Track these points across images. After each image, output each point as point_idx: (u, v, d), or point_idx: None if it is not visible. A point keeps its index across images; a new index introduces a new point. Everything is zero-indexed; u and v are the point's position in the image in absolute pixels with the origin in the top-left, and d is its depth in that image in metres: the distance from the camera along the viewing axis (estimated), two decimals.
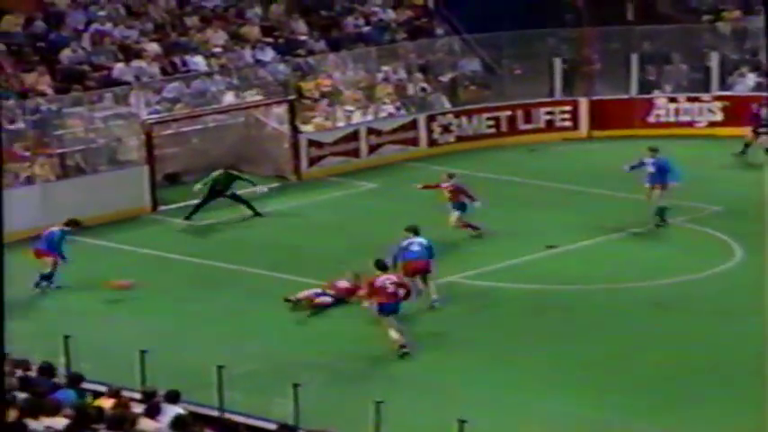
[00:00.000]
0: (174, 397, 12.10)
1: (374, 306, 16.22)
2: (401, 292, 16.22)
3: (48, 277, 18.84)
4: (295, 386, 12.98)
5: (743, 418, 14.38)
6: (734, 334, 16.95)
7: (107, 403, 11.97)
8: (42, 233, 18.97)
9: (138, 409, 11.76)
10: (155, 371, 13.63)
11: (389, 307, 16.10)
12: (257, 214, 22.15)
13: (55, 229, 18.92)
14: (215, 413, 12.81)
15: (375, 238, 20.97)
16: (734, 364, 15.94)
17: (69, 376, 12.89)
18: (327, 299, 18.00)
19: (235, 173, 22.36)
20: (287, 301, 17.94)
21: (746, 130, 25.48)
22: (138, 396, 12.53)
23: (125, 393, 12.51)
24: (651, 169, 21.11)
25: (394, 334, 16.10)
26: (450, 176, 20.93)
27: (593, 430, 13.73)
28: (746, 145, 25.35)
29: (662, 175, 21.03)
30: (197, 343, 16.46)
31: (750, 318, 17.38)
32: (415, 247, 17.60)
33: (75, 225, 19.14)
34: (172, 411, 11.44)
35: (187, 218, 22.09)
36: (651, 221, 21.15)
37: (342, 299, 18.06)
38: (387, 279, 16.25)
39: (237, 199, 22.21)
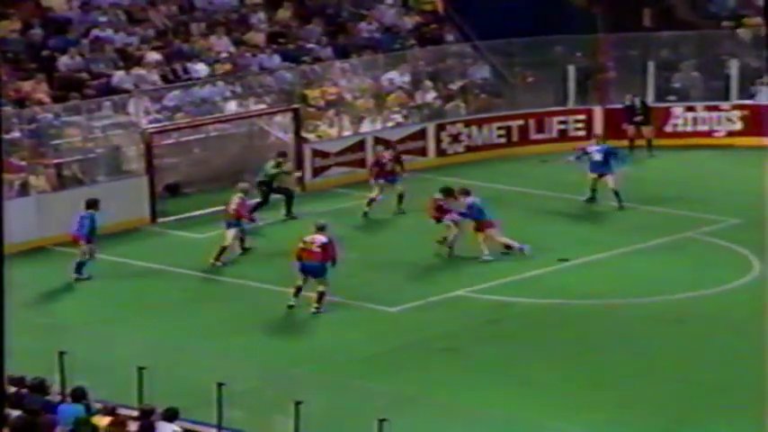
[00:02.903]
0: (171, 416, 12.21)
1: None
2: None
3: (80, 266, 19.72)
4: (297, 404, 13.10)
5: None
6: (753, 350, 17.00)
7: (103, 421, 12.09)
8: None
9: (134, 427, 11.88)
10: (153, 388, 13.74)
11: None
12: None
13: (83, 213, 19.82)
14: (213, 431, 12.92)
15: (380, 250, 21.16)
16: (753, 381, 16.00)
17: (72, 391, 12.97)
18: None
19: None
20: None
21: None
22: (135, 414, 12.65)
23: (122, 411, 12.63)
24: (597, 157, 22.64)
25: None
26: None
27: None
28: (632, 145, 26.49)
29: (608, 162, 22.75)
30: (197, 359, 16.52)
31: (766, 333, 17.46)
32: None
33: (94, 204, 19.98)
34: (167, 430, 11.56)
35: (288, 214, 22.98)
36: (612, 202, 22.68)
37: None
38: None
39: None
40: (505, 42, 27.74)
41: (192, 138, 24.91)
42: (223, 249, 20.45)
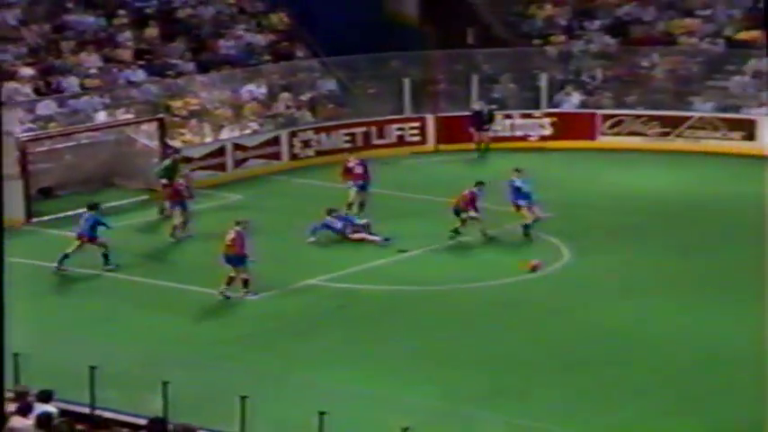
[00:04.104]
0: (46, 396, 11.67)
1: None
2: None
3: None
4: (164, 383, 12.68)
5: (575, 402, 14.73)
6: (563, 328, 17.28)
7: None
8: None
9: (12, 407, 11.27)
10: (30, 373, 13.09)
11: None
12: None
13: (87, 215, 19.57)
14: (87, 410, 12.41)
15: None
16: (564, 354, 16.24)
17: None
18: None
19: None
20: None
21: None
22: (11, 395, 12.03)
23: None
24: (525, 189, 20.90)
25: None
26: None
27: (442, 419, 13.76)
28: (479, 148, 26.55)
29: (531, 193, 20.94)
30: (70, 346, 15.87)
31: (576, 313, 17.79)
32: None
33: (94, 207, 19.86)
34: (42, 409, 11.02)
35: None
36: (529, 235, 20.85)
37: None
38: None
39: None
40: (349, 58, 27.74)
41: (64, 145, 24.28)
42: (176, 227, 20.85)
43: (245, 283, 18.25)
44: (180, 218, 21.00)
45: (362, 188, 22.05)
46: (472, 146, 27.06)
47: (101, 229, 19.65)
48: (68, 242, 20.18)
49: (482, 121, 26.93)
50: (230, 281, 18.21)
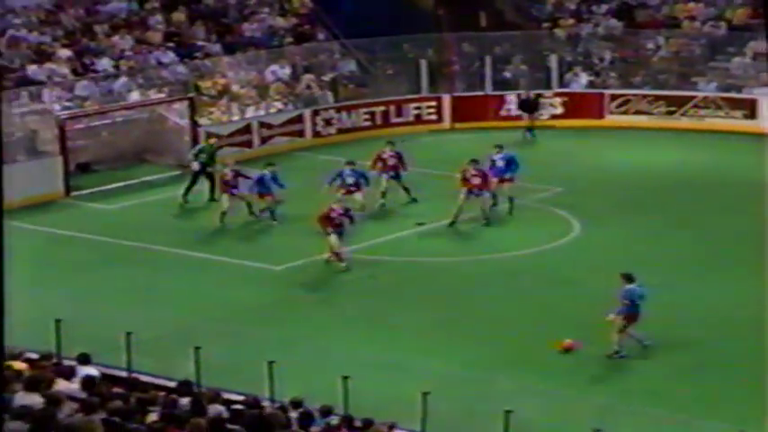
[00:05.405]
0: (84, 359, 11.61)
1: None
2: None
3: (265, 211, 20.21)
4: (196, 349, 12.60)
5: (587, 369, 14.58)
6: (575, 297, 17.12)
7: (22, 366, 11.39)
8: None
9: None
10: (71, 338, 13.04)
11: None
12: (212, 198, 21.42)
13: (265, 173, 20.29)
14: (124, 374, 12.36)
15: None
16: (575, 323, 16.09)
17: None
18: None
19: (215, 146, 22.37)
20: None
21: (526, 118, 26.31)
22: (54, 360, 11.97)
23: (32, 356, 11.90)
24: (500, 164, 20.73)
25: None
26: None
27: (461, 385, 13.67)
28: (529, 129, 26.09)
29: (510, 168, 20.68)
30: (109, 312, 15.85)
31: (587, 283, 17.63)
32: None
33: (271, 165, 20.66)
34: (85, 372, 10.94)
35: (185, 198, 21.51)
36: (505, 210, 20.57)
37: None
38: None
39: (208, 176, 21.58)
40: (367, 41, 27.48)
41: (100, 123, 24.15)
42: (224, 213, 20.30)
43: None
44: (226, 204, 20.23)
45: (394, 177, 21.44)
46: (485, 124, 26.79)
47: (274, 187, 20.26)
48: (103, 213, 20.13)
49: (531, 106, 26.56)
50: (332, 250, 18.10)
